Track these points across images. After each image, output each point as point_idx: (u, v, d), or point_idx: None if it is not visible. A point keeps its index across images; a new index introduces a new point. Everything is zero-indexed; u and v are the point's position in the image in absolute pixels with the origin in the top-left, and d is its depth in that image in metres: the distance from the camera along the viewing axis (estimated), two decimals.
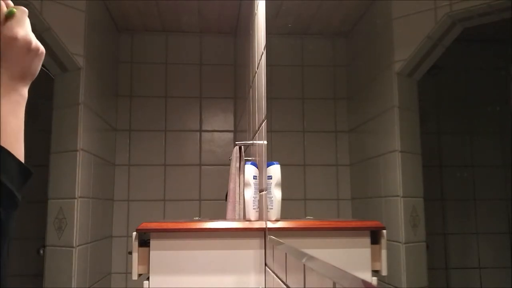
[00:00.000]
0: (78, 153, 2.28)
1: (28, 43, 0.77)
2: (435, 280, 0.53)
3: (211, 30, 3.23)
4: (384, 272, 0.66)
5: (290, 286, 1.09)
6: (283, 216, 1.31)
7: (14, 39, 0.76)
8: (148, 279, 1.45)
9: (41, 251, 2.35)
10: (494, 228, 0.45)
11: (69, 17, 2.28)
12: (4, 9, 0.77)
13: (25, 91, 0.77)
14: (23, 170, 0.72)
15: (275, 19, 1.48)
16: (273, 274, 1.34)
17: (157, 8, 2.88)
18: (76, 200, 2.25)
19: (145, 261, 1.45)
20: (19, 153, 0.73)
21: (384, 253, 0.67)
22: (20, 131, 0.75)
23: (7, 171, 0.69)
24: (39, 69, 0.81)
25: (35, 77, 0.81)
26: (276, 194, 1.31)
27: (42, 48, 0.80)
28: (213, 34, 3.28)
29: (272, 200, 1.32)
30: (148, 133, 3.15)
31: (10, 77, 0.76)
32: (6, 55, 0.76)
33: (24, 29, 0.77)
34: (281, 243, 1.20)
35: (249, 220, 1.54)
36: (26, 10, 0.79)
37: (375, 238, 0.72)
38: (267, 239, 1.45)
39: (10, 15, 0.76)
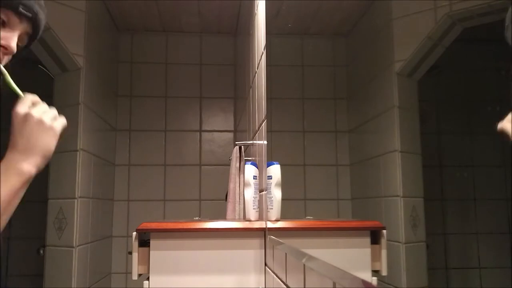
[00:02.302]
0: (78, 153, 2.28)
1: (39, 121, 0.80)
2: (435, 280, 0.53)
3: (211, 30, 3.23)
4: (384, 272, 0.66)
5: (290, 286, 1.09)
6: (283, 216, 1.31)
7: (26, 115, 0.80)
8: (148, 279, 1.45)
9: (41, 251, 2.35)
10: (494, 228, 0.45)
11: (69, 17, 2.28)
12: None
13: (24, 166, 0.78)
14: None
15: (275, 19, 1.48)
16: (273, 274, 1.34)
17: (157, 8, 2.88)
18: (76, 200, 2.25)
19: (145, 261, 1.45)
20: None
21: (384, 253, 0.67)
22: (9, 204, 0.75)
23: None
24: (48, 145, 0.81)
25: (44, 153, 0.80)
26: (276, 194, 1.31)
27: (48, 123, 0.81)
28: (213, 34, 3.28)
29: (272, 200, 1.32)
30: (148, 133, 3.15)
31: (10, 147, 0.79)
32: (17, 129, 0.80)
33: (23, 105, 0.81)
34: (281, 243, 1.20)
35: (249, 220, 1.54)
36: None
37: (375, 238, 0.72)
38: (267, 239, 1.45)
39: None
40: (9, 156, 0.78)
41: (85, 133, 2.36)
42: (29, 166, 0.78)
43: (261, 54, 1.76)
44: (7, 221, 0.76)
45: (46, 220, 2.28)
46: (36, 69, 2.51)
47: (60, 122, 0.84)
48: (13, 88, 0.84)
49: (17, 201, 0.77)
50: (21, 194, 0.78)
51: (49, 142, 0.81)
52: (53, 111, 0.84)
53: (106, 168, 2.87)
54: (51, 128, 0.81)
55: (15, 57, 0.86)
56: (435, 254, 0.53)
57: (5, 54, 0.83)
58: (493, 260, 0.45)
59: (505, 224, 0.43)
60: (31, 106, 0.81)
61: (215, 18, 3.02)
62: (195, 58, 3.25)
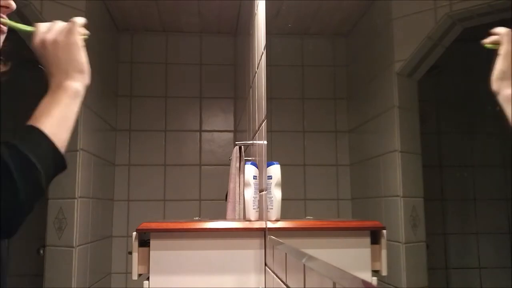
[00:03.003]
0: (78, 153, 2.28)
1: (53, 39, 0.81)
2: (435, 280, 0.53)
3: (211, 30, 3.23)
4: (384, 272, 0.66)
5: (290, 286, 1.09)
6: (283, 216, 1.31)
7: (42, 41, 0.81)
8: (148, 279, 1.45)
9: (41, 251, 2.35)
10: (494, 228, 0.45)
11: (69, 17, 2.26)
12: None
13: (65, 83, 0.80)
14: (57, 158, 0.72)
15: (275, 19, 1.48)
16: (273, 274, 1.34)
17: (157, 8, 2.88)
18: (76, 200, 2.25)
19: (145, 261, 1.45)
20: (60, 141, 0.73)
21: (384, 253, 0.67)
22: (64, 121, 0.76)
23: (41, 156, 0.68)
24: (76, 59, 0.82)
25: (77, 68, 0.82)
26: (276, 194, 1.31)
27: (63, 40, 0.82)
28: (213, 34, 3.28)
29: (272, 200, 1.32)
30: (148, 133, 3.15)
31: (48, 77, 0.80)
32: (43, 56, 0.81)
33: (37, 35, 0.82)
34: (281, 243, 1.20)
35: (249, 220, 1.54)
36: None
37: (375, 238, 0.72)
38: (267, 239, 1.45)
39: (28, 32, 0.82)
40: (50, 83, 0.79)
41: (85, 133, 2.36)
42: (69, 82, 0.80)
43: (261, 54, 1.76)
44: (68, 137, 0.77)
45: (46, 220, 2.28)
46: (36, 69, 2.50)
47: (76, 31, 0.84)
48: (24, 29, 0.84)
49: (72, 117, 0.79)
50: (75, 109, 0.80)
51: (75, 56, 0.82)
52: (67, 25, 0.84)
53: (106, 168, 2.87)
54: (68, 43, 0.82)
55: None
56: (435, 254, 0.53)
57: (6, 12, 0.83)
58: (493, 260, 0.45)
59: (505, 224, 0.43)
60: (44, 33, 0.81)
61: (215, 18, 3.02)
62: (195, 58, 3.25)
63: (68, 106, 0.78)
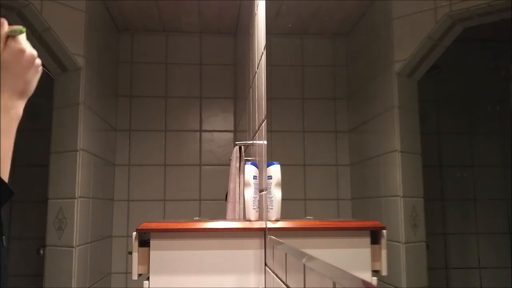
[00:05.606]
0: (78, 153, 2.28)
1: (33, 57, 0.77)
2: (435, 280, 0.53)
3: (211, 30, 3.23)
4: (384, 272, 0.66)
5: (290, 286, 1.09)
6: (283, 216, 1.31)
7: (22, 51, 0.76)
8: (148, 279, 1.45)
9: (41, 251, 2.35)
10: (494, 228, 0.45)
11: (69, 17, 2.28)
12: (6, 27, 0.76)
13: (21, 109, 0.76)
14: (5, 190, 0.70)
15: (275, 19, 1.48)
16: (273, 274, 1.34)
17: (157, 8, 2.88)
18: (76, 200, 2.25)
19: (145, 261, 1.45)
20: (5, 172, 0.71)
21: (384, 253, 0.67)
22: (10, 151, 0.73)
23: None
24: (35, 85, 0.79)
25: (31, 94, 0.79)
26: (276, 194, 1.31)
27: (40, 62, 0.79)
28: (213, 34, 3.28)
29: (272, 200, 1.32)
30: (148, 133, 3.15)
31: (12, 93, 0.74)
32: (12, 69, 0.74)
33: (28, 44, 0.78)
34: (281, 243, 1.20)
35: (249, 220, 1.54)
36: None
37: (375, 238, 0.72)
38: (267, 239, 1.45)
39: (19, 33, 0.77)
40: (8, 101, 0.75)
41: (85, 133, 2.36)
42: (19, 106, 0.77)
43: (261, 54, 1.76)
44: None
45: (46, 220, 2.28)
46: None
47: None
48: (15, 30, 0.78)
49: (12, 143, 0.76)
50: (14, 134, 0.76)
51: (33, 76, 0.80)
52: None
53: (106, 168, 2.87)
54: (40, 69, 0.81)
55: None
56: (435, 254, 0.53)
57: None
58: (493, 260, 0.45)
59: (505, 224, 0.43)
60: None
61: (215, 18, 3.02)
62: (195, 58, 3.25)
63: (14, 136, 0.74)
